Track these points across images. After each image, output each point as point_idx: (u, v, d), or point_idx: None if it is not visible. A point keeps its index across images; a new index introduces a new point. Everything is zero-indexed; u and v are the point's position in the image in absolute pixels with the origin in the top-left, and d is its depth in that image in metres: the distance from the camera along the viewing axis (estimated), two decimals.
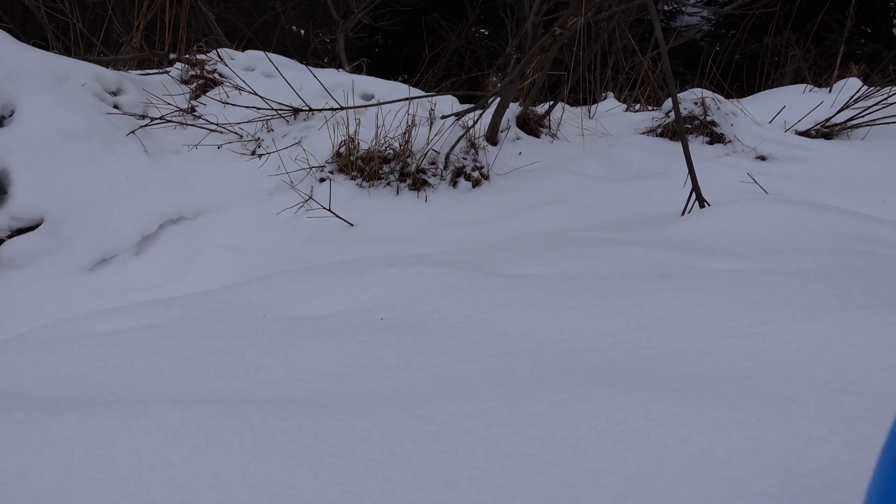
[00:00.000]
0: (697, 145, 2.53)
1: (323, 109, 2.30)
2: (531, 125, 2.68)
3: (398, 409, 0.55)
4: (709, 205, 1.79)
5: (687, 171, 1.82)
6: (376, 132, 2.16)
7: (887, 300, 0.93)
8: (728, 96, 3.28)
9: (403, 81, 2.81)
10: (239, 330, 0.86)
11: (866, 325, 0.76)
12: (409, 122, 2.21)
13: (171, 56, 2.68)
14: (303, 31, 4.78)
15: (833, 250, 1.42)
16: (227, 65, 2.53)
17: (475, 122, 2.28)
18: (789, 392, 0.58)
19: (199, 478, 0.40)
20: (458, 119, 2.30)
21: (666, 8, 4.34)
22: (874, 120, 2.46)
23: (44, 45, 2.59)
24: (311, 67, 2.64)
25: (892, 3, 4.50)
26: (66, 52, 2.66)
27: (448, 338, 0.82)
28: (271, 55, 2.63)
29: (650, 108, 3.00)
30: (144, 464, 0.42)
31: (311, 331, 0.85)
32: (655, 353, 0.74)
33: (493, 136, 2.53)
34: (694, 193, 1.80)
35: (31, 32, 2.76)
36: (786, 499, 0.39)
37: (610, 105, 3.03)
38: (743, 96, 3.26)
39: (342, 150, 2.18)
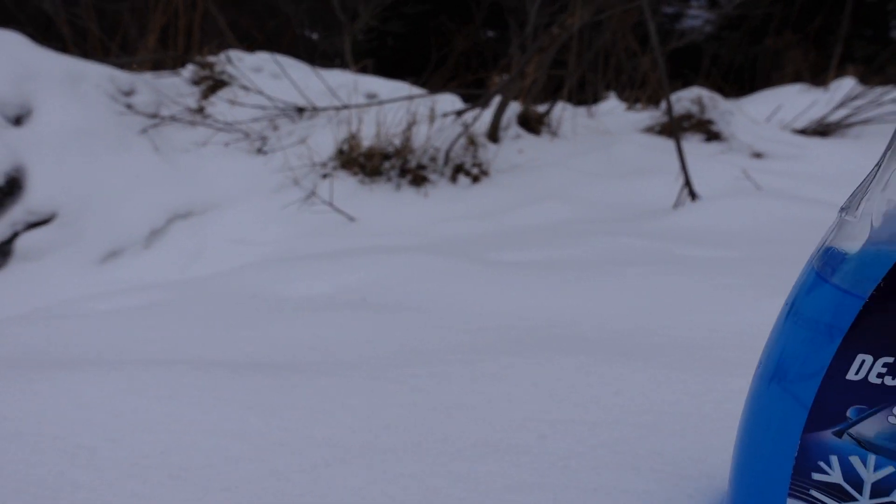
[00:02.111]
0: (694, 143, 2.56)
1: (327, 108, 2.35)
2: (532, 123, 2.71)
3: (359, 371, 0.60)
4: (700, 199, 1.82)
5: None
6: (377, 130, 2.21)
7: None
8: (727, 96, 3.30)
9: (414, 83, 2.86)
10: (226, 308, 0.90)
11: None
12: (410, 120, 2.25)
13: (183, 57, 2.75)
14: (315, 35, 4.84)
15: (815, 240, 1.45)
16: (235, 66, 2.59)
17: (475, 120, 2.32)
18: (729, 357, 0.62)
19: (159, 422, 0.45)
20: (458, 117, 2.35)
21: (668, 10, 4.37)
22: (868, 119, 2.48)
23: (62, 49, 2.67)
24: (316, 68, 2.69)
25: (889, 7, 4.51)
26: (84, 55, 2.73)
27: (424, 315, 0.86)
28: (278, 56, 2.69)
29: (651, 107, 3.02)
30: (111, 410, 0.47)
31: (295, 308, 0.89)
32: (619, 327, 0.77)
33: (494, 134, 2.57)
34: (685, 188, 1.83)
35: (52, 37, 2.84)
36: (690, 433, 0.43)
37: (611, 104, 3.06)
38: (744, 96, 3.29)
39: (344, 147, 2.23)
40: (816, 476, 0.28)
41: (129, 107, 2.28)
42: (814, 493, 0.28)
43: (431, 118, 2.30)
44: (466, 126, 2.30)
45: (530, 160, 2.45)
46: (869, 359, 0.26)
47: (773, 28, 3.43)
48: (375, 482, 0.37)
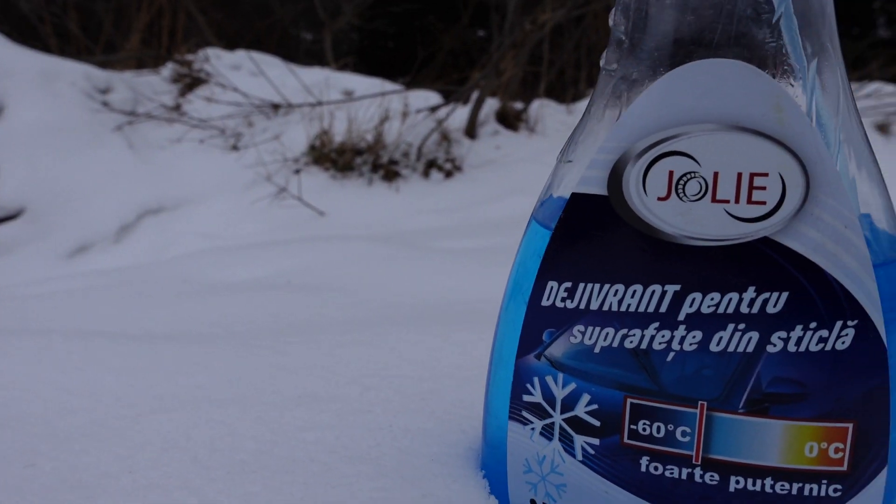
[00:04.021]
0: None
1: (302, 105, 2.38)
2: (510, 120, 2.73)
3: (241, 339, 0.62)
4: None
5: None
6: (349, 125, 2.23)
7: None
8: None
9: (402, 82, 2.89)
10: (152, 291, 0.93)
11: None
12: (383, 116, 2.28)
13: (165, 56, 2.78)
14: (309, 36, 4.88)
15: None
16: (213, 63, 2.63)
17: (447, 116, 2.35)
18: None
19: (17, 380, 0.47)
20: (432, 113, 2.37)
21: None
22: None
23: (44, 48, 2.71)
24: (294, 65, 2.72)
25: (875, 5, 4.52)
26: (65, 55, 2.77)
27: (341, 295, 0.88)
28: (256, 54, 2.72)
29: None
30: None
31: (218, 291, 0.91)
32: None
33: (472, 131, 2.59)
34: None
35: (29, 35, 2.88)
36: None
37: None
38: None
39: (316, 143, 2.26)
40: (526, 397, 0.30)
41: (105, 104, 2.32)
42: (524, 413, 0.30)
43: (405, 114, 2.32)
44: (439, 122, 2.33)
45: (505, 156, 2.47)
46: (555, 285, 0.28)
47: None
48: (185, 426, 0.39)
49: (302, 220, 2.06)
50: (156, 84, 2.55)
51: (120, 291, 0.94)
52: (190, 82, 2.56)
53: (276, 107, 2.41)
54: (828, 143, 0.25)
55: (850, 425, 0.25)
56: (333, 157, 2.22)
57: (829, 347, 0.24)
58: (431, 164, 2.31)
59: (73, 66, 2.32)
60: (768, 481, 0.26)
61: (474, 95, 2.50)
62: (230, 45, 3.04)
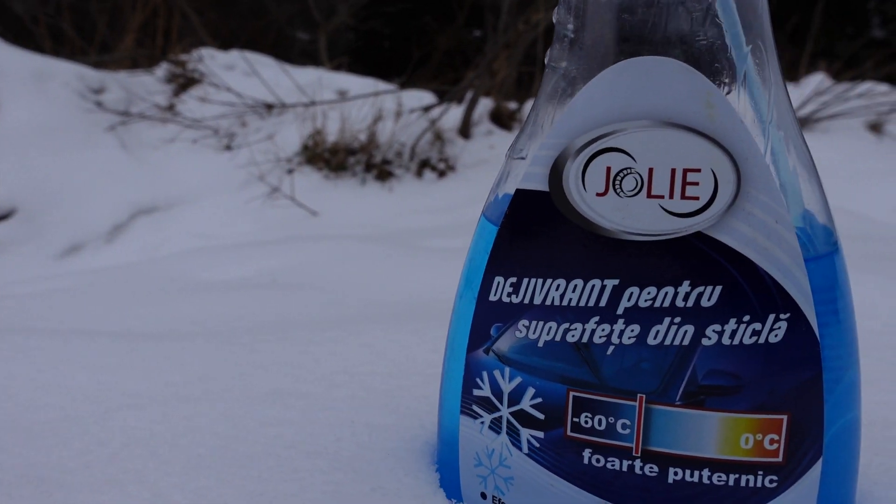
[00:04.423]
0: None
1: (295, 105, 2.38)
2: (504, 119, 2.74)
3: (219, 337, 0.62)
4: None
5: None
6: (342, 125, 2.24)
7: None
8: None
9: (399, 82, 2.89)
10: (139, 290, 0.93)
11: None
12: (376, 115, 2.28)
13: (159, 56, 2.79)
14: (307, 36, 4.88)
15: None
16: (206, 63, 2.63)
17: (441, 116, 2.35)
18: None
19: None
20: (425, 112, 2.38)
21: None
22: (837, 113, 2.50)
23: (38, 49, 2.71)
24: (288, 65, 2.73)
25: (870, 5, 4.53)
26: (60, 55, 2.77)
27: (323, 293, 0.88)
28: (251, 54, 2.72)
29: None
30: None
31: (202, 290, 0.92)
32: None
33: (466, 130, 2.59)
34: None
35: (23, 36, 2.89)
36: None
37: None
38: None
39: (309, 143, 2.26)
40: (476, 392, 0.30)
41: (98, 104, 2.32)
42: (475, 407, 0.30)
43: (398, 114, 2.33)
44: (433, 122, 2.33)
45: (499, 156, 2.47)
46: (502, 280, 0.28)
47: None
48: (150, 422, 0.40)
49: (295, 219, 2.07)
50: (149, 84, 2.55)
51: (104, 290, 0.94)
52: (184, 82, 2.57)
53: (269, 107, 2.42)
54: (767, 137, 0.26)
55: (785, 417, 0.25)
56: (326, 156, 2.23)
57: (762, 340, 0.25)
58: (425, 164, 2.31)
59: (67, 66, 2.32)
60: (705, 472, 0.26)
61: (468, 95, 2.50)
62: (226, 44, 3.05)
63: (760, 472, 0.26)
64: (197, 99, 2.50)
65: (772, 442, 0.25)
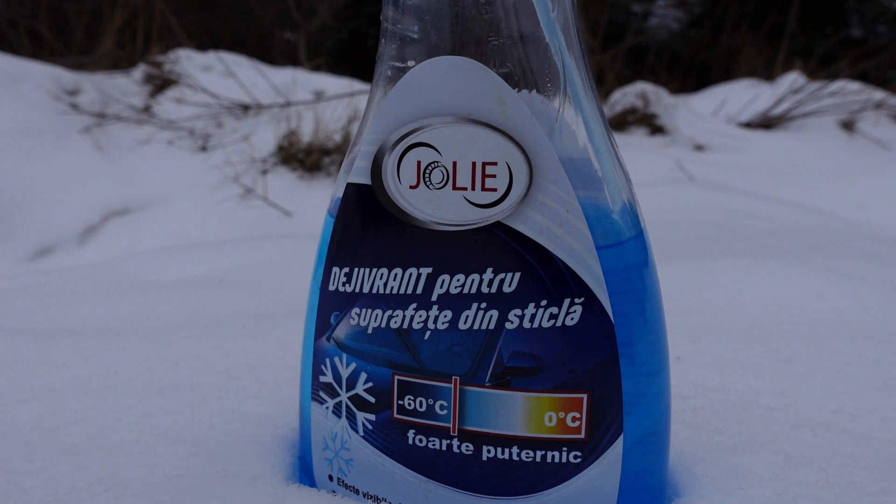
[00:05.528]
0: (638, 136, 2.59)
1: (271, 105, 2.39)
2: None
3: (143, 334, 0.63)
4: None
5: None
6: (316, 125, 2.25)
7: (718, 250, 1.00)
8: (687, 92, 3.34)
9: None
10: (86, 290, 0.94)
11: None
12: (351, 115, 2.29)
13: (138, 58, 2.79)
14: (291, 37, 4.88)
15: (716, 223, 1.50)
16: (184, 65, 2.63)
17: None
18: None
19: None
20: None
21: (637, 9, 4.41)
22: (811, 111, 2.52)
23: (12, 51, 2.71)
24: (266, 66, 2.74)
25: (848, 5, 4.56)
26: (34, 57, 2.78)
27: (268, 292, 0.89)
28: (229, 55, 2.73)
29: (603, 102, 3.06)
30: None
31: (148, 289, 0.93)
32: None
33: None
34: None
35: (1, 40, 2.89)
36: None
37: None
38: (698, 91, 3.32)
39: (284, 143, 2.27)
40: (321, 378, 0.31)
41: (73, 106, 2.32)
42: (321, 393, 0.31)
43: None
44: None
45: None
46: (338, 270, 0.30)
47: (730, 25, 3.49)
48: (39, 415, 0.41)
49: (269, 220, 2.08)
50: (125, 86, 2.56)
51: (51, 290, 0.95)
52: (161, 84, 2.58)
53: (245, 108, 2.42)
54: (590, 132, 0.27)
55: (585, 395, 0.27)
56: (301, 157, 2.24)
57: (559, 323, 0.26)
58: None
59: (41, 68, 2.33)
60: (514, 450, 0.27)
61: None
62: (210, 45, 3.06)
63: (565, 449, 0.27)
64: (173, 100, 2.51)
65: (574, 419, 0.27)
